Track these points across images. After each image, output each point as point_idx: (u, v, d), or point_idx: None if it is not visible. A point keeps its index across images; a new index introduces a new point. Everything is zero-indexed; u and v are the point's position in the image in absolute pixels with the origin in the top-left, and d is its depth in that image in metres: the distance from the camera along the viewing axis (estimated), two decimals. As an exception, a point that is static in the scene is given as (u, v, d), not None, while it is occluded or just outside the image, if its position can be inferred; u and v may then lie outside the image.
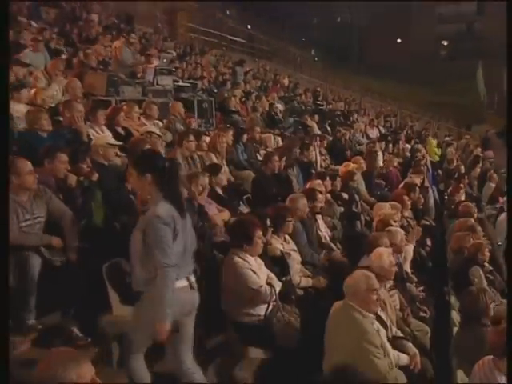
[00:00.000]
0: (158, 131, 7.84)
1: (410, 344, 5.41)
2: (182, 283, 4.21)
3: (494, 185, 13.88)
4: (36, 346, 4.93)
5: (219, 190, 7.28)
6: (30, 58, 11.24)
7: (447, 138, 21.26)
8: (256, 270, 5.32)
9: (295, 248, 6.47)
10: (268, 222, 5.96)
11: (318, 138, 12.36)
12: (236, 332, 5.36)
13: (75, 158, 6.24)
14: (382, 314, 5.50)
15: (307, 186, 7.89)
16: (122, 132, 8.54)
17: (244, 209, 7.77)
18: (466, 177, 14.43)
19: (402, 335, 5.59)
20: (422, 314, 6.76)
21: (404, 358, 5.13)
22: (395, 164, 13.13)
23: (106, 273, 5.31)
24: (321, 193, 7.38)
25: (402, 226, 8.65)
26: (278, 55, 37.53)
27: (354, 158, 11.26)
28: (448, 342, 6.21)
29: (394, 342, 5.34)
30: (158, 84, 11.85)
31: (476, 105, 37.68)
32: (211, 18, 35.58)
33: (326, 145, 12.79)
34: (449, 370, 5.57)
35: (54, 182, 5.87)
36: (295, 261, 6.34)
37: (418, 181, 11.08)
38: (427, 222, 10.48)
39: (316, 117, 15.82)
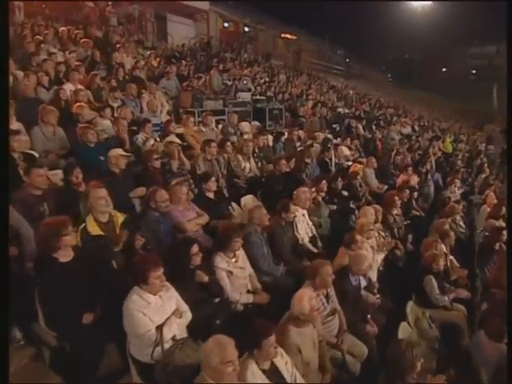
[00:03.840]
0: (177, 140, 5.16)
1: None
2: None
3: (484, 176, 9.37)
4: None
5: (210, 194, 4.46)
6: (164, 84, 8.81)
7: (461, 136, 15.80)
8: (150, 311, 2.57)
9: (242, 265, 3.51)
10: (194, 249, 3.11)
11: (348, 138, 8.80)
12: (133, 364, 2.73)
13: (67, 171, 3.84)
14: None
15: (294, 193, 4.69)
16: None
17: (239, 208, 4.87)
18: (462, 169, 9.97)
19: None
20: (368, 328, 3.62)
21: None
22: (409, 159, 9.13)
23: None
24: (295, 204, 4.26)
25: (387, 224, 5.35)
26: (364, 77, 32.02)
27: (368, 157, 7.64)
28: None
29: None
30: (238, 98, 8.96)
31: (490, 111, 29.93)
32: (324, 54, 31.04)
33: (356, 142, 9.05)
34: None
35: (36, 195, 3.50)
36: (238, 278, 3.43)
37: (415, 178, 7.27)
38: (417, 213, 6.72)
39: (363, 121, 11.86)
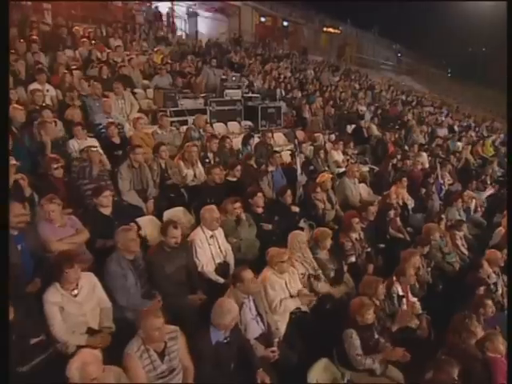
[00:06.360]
0: (96, 144, 4.66)
1: None
2: None
3: (515, 188, 7.55)
4: None
5: (105, 210, 3.84)
6: (157, 81, 8.51)
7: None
8: None
9: (82, 299, 2.85)
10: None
11: (341, 141, 7.70)
12: None
13: None
14: None
15: (201, 212, 3.95)
16: (118, 141, 5.49)
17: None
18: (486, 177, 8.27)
19: None
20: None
21: None
22: (419, 166, 7.76)
23: None
24: (175, 228, 3.42)
25: (339, 252, 4.39)
26: (418, 73, 29.07)
27: (351, 165, 6.56)
28: None
29: None
30: (226, 96, 8.27)
31: None
32: (371, 49, 28.83)
33: (351, 146, 7.89)
34: None
35: None
36: (71, 315, 2.80)
37: (401, 193, 6.06)
38: (401, 236, 5.52)
39: (375, 119, 10.47)
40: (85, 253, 3.59)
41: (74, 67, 8.51)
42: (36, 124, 5.16)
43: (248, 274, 3.10)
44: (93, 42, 10.36)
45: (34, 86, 6.38)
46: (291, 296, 3.54)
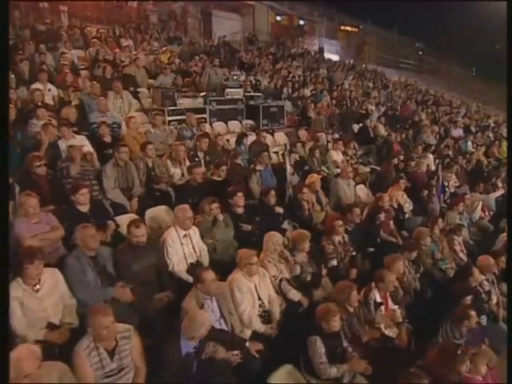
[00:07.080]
0: (85, 142, 4.73)
1: None
2: None
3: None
4: None
5: (81, 208, 3.89)
6: (161, 80, 8.53)
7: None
8: None
9: (44, 295, 2.87)
10: None
11: (340, 141, 7.55)
12: None
13: None
14: None
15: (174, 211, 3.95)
16: (109, 140, 5.56)
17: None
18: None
19: None
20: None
21: None
22: (424, 168, 7.52)
23: None
24: (138, 227, 3.39)
25: (318, 255, 4.29)
26: (440, 71, 28.17)
27: (346, 166, 6.42)
28: None
29: None
30: (227, 95, 8.24)
31: None
32: (391, 48, 28.11)
33: (353, 146, 7.72)
34: None
35: None
36: (31, 310, 2.81)
37: (396, 195, 5.87)
38: (393, 240, 5.35)
39: (382, 119, 10.19)
40: (60, 248, 3.67)
41: (82, 67, 8.79)
42: (32, 123, 5.34)
43: (209, 274, 3.08)
44: (104, 42, 10.59)
45: (36, 85, 6.57)
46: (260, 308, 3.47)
